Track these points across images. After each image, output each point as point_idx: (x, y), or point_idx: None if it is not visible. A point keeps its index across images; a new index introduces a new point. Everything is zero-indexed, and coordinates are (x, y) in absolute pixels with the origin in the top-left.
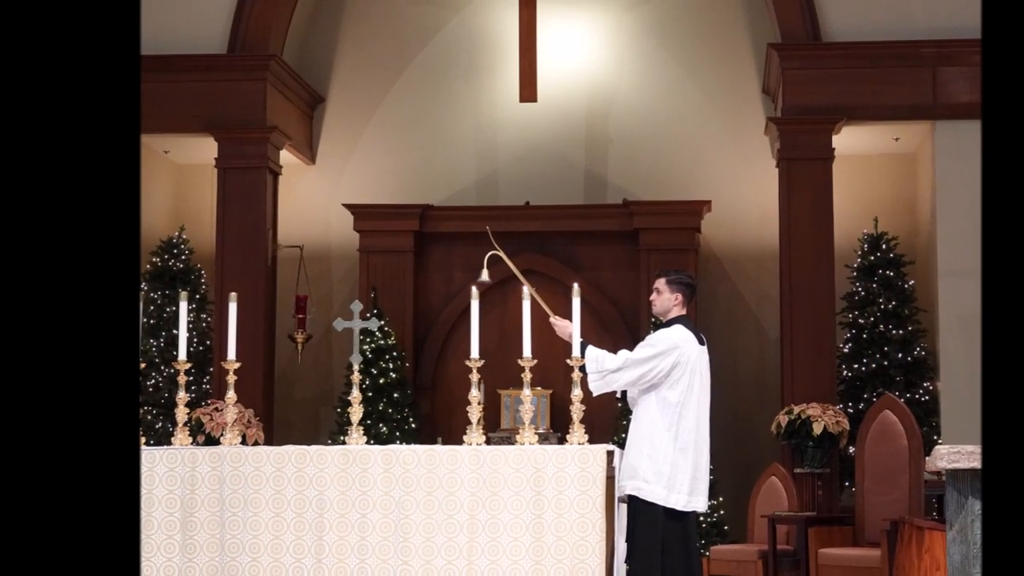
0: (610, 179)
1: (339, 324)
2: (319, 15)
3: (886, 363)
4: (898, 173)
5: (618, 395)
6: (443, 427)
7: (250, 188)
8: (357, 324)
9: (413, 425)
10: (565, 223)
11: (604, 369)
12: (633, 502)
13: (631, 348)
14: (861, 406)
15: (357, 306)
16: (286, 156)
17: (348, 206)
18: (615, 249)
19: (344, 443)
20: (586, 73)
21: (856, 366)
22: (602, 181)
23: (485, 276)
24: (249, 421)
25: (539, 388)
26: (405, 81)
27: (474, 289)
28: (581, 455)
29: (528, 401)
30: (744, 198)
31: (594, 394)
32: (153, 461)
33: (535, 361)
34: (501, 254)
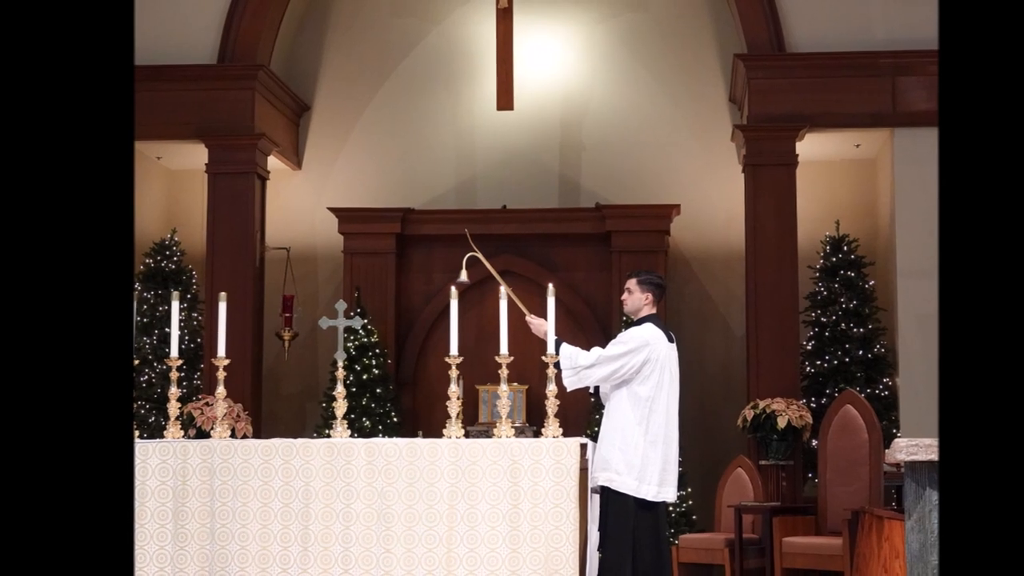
0: (583, 184)
1: (324, 322)
2: (305, 27)
3: (847, 360)
4: (859, 178)
5: (591, 391)
6: (424, 421)
7: (239, 192)
8: (341, 322)
9: (395, 419)
10: (540, 226)
11: (578, 365)
12: (605, 493)
13: (604, 346)
14: (823, 401)
15: (341, 305)
16: (273, 162)
17: (333, 210)
18: (588, 251)
19: (329, 436)
20: (561, 82)
21: (819, 363)
22: (576, 186)
23: (464, 277)
24: (238, 415)
25: (515, 384)
26: (387, 90)
27: (453, 289)
28: (556, 448)
29: (505, 396)
30: (711, 202)
31: (568, 389)
32: (146, 453)
33: (512, 358)
34: (479, 255)
